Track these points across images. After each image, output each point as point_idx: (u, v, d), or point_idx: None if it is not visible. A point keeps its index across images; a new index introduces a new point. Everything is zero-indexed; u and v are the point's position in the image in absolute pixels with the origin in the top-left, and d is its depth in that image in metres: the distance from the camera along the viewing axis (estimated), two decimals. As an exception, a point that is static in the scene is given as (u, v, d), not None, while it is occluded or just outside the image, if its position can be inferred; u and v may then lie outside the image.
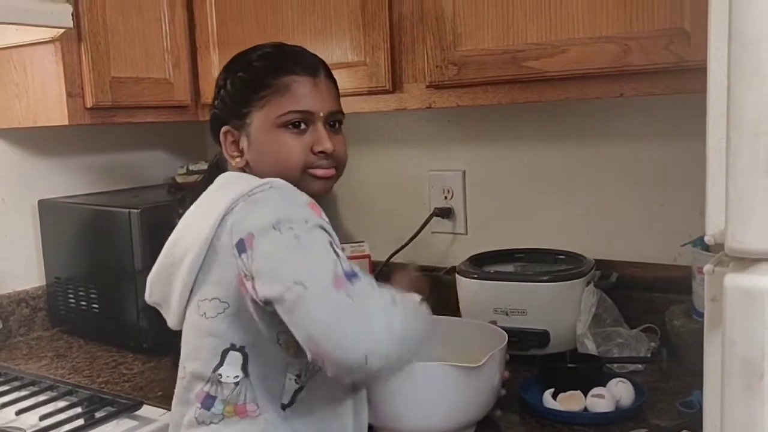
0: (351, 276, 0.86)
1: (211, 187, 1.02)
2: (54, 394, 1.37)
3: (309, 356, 0.85)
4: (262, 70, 1.03)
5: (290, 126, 1.01)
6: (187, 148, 2.11)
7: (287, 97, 1.01)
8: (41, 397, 1.36)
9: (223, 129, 1.04)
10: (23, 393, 1.38)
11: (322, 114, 1.03)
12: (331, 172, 1.04)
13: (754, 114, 0.57)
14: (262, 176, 0.99)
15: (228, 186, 0.98)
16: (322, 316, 0.84)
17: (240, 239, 0.90)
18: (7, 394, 1.38)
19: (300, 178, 1.01)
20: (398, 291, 0.95)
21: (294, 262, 0.87)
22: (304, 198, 0.94)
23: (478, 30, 1.32)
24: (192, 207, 1.01)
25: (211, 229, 0.93)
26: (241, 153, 1.04)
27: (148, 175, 2.01)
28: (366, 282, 0.87)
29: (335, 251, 0.89)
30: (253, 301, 0.91)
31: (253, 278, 0.89)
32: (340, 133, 1.07)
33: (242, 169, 1.04)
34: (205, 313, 0.96)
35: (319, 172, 1.03)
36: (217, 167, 1.09)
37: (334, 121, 1.06)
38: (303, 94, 1.01)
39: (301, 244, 0.87)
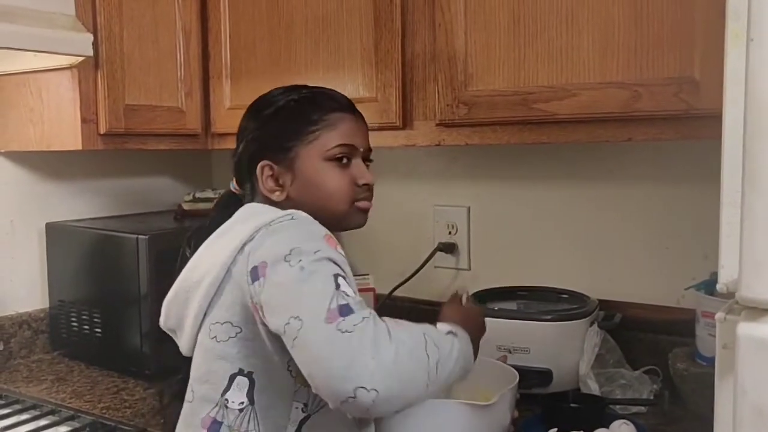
0: (344, 310, 0.86)
1: (235, 217, 1.03)
2: (56, 418, 1.37)
3: (312, 389, 0.88)
4: (309, 107, 1.07)
5: (335, 160, 1.06)
6: (194, 175, 2.13)
7: (336, 132, 1.06)
8: (42, 422, 1.36)
9: (262, 163, 1.05)
10: (24, 417, 1.38)
11: (362, 149, 1.09)
12: (371, 204, 1.10)
13: (768, 171, 0.59)
14: (306, 209, 1.02)
15: (254, 217, 1.00)
16: (313, 351, 0.85)
17: (254, 267, 0.93)
18: (9, 417, 1.38)
19: (348, 212, 1.07)
20: (417, 324, 0.94)
21: (295, 295, 0.89)
22: (322, 231, 0.96)
23: (489, 71, 1.35)
24: (213, 235, 1.03)
25: (230, 255, 0.96)
26: (281, 187, 1.05)
27: (155, 201, 2.03)
28: (358, 315, 0.86)
29: (337, 283, 0.89)
30: (264, 326, 0.93)
31: (262, 307, 0.91)
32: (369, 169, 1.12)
33: (279, 203, 1.05)
34: (216, 336, 0.98)
35: (363, 204, 1.08)
36: (227, 205, 1.09)
37: (368, 156, 1.11)
38: (349, 130, 1.07)
39: (304, 276, 0.89)
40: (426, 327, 0.94)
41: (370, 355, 0.83)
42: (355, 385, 0.82)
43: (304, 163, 1.05)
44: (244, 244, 0.95)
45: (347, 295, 0.88)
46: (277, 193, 1.05)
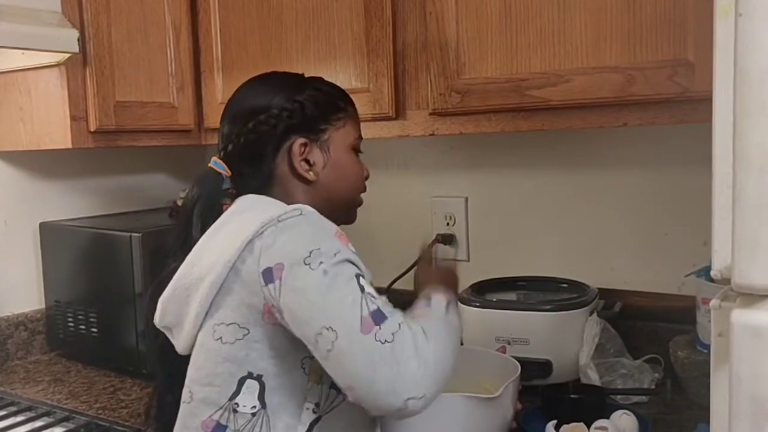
0: (378, 317, 0.86)
1: (233, 209, 1.00)
2: (51, 420, 1.36)
3: (350, 398, 0.87)
4: (335, 95, 1.10)
5: (355, 150, 1.10)
6: (189, 171, 2.11)
7: (354, 123, 1.10)
8: (38, 423, 1.35)
9: (302, 140, 1.04)
10: (20, 418, 1.37)
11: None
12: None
13: (760, 150, 0.57)
14: (329, 194, 1.05)
15: (255, 209, 0.97)
16: (354, 364, 0.84)
17: (267, 267, 0.89)
18: (4, 419, 1.37)
19: (357, 203, 1.11)
20: (425, 300, 0.96)
21: (323, 303, 0.87)
22: (333, 227, 0.94)
23: (481, 58, 1.32)
24: (213, 227, 0.99)
25: (236, 252, 0.92)
26: (311, 167, 1.05)
27: (150, 198, 2.01)
28: (393, 321, 0.87)
29: (360, 285, 0.88)
30: (279, 325, 0.91)
31: (281, 311, 0.89)
32: None
33: (305, 186, 1.04)
34: (221, 337, 0.94)
35: (361, 198, 1.12)
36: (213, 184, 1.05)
37: None
38: (359, 123, 1.12)
39: (329, 282, 0.87)
40: (434, 310, 0.95)
41: (415, 363, 0.84)
42: (405, 397, 0.83)
43: (337, 147, 1.07)
44: (251, 241, 0.91)
45: (374, 297, 0.88)
46: (311, 173, 1.04)
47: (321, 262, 0.87)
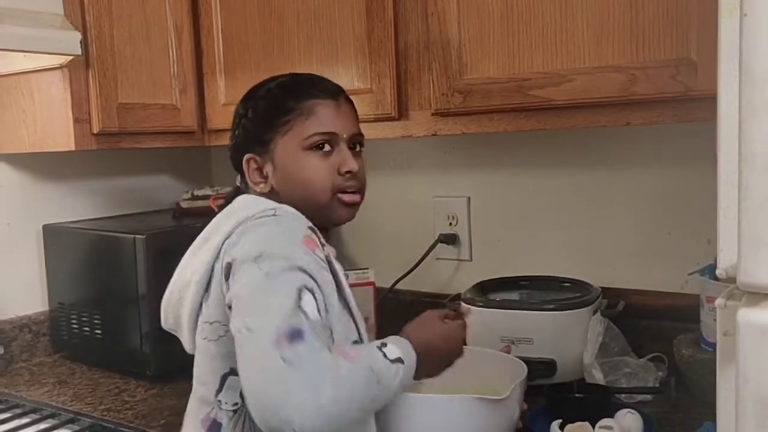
0: (294, 335, 0.79)
1: (224, 211, 1.01)
2: (55, 422, 1.36)
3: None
4: (284, 96, 1.03)
5: (316, 148, 1.01)
6: (192, 173, 2.12)
7: (312, 119, 1.01)
8: (42, 426, 1.35)
9: (246, 156, 1.03)
10: (24, 421, 1.38)
11: (345, 135, 1.03)
12: (357, 198, 1.04)
13: (765, 149, 0.57)
14: (291, 199, 1.00)
15: (239, 212, 0.98)
16: (252, 373, 0.80)
17: (228, 263, 0.91)
18: (8, 421, 1.37)
19: (330, 203, 1.02)
20: (382, 343, 0.89)
21: (253, 302, 0.85)
22: (302, 231, 0.92)
23: (483, 58, 1.32)
24: (203, 232, 1.01)
25: (214, 251, 0.94)
26: (265, 179, 1.03)
27: (153, 199, 2.01)
28: (307, 347, 0.80)
29: (299, 297, 0.83)
30: None
31: (230, 305, 0.89)
32: (361, 156, 1.07)
33: (266, 195, 1.02)
34: (207, 336, 0.96)
35: (347, 197, 1.02)
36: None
37: (356, 143, 1.06)
38: (327, 116, 1.02)
39: (266, 285, 0.85)
40: (374, 357, 0.87)
41: (308, 396, 0.77)
42: (284, 423, 0.76)
43: (283, 154, 1.02)
44: (225, 240, 0.94)
45: (306, 316, 0.82)
46: (262, 185, 1.03)
47: (267, 264, 0.86)
